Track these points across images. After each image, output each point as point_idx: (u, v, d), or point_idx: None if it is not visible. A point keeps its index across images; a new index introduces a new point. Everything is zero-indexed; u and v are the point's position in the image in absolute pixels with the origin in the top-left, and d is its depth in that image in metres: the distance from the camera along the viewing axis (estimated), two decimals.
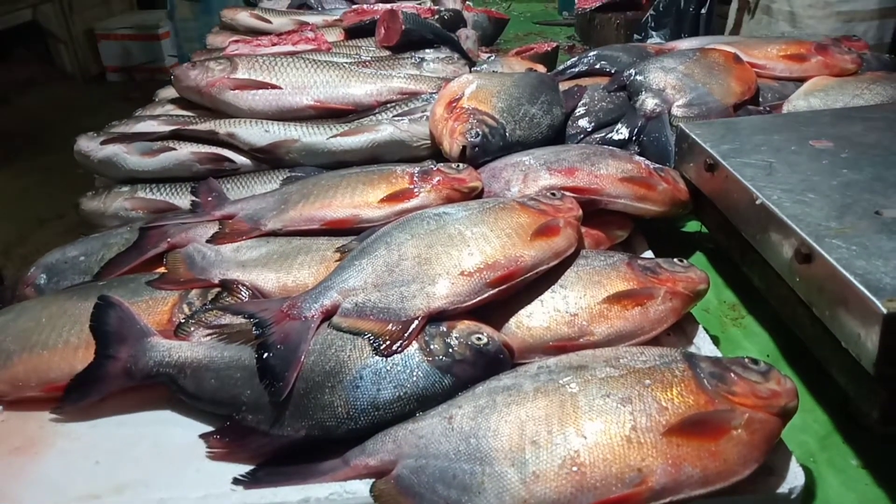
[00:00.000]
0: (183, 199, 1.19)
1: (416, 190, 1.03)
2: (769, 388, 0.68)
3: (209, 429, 0.79)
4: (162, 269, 0.99)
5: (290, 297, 0.85)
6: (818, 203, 0.83)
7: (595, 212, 1.04)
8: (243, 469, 0.73)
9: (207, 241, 1.02)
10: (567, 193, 1.00)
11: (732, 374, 0.69)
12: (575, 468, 0.62)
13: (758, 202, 0.86)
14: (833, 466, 0.74)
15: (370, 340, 0.78)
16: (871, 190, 0.85)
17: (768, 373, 0.70)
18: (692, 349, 0.84)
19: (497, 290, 0.83)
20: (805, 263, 0.75)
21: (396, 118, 1.29)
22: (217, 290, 0.92)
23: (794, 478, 0.66)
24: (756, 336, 0.95)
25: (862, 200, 0.83)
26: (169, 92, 1.53)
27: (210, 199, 1.12)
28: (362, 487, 0.68)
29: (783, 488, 0.65)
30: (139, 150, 1.25)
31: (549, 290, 0.87)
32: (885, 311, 0.63)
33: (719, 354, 0.81)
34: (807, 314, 0.77)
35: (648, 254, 1.03)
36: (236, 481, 0.72)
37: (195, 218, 1.08)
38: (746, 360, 0.71)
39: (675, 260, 0.91)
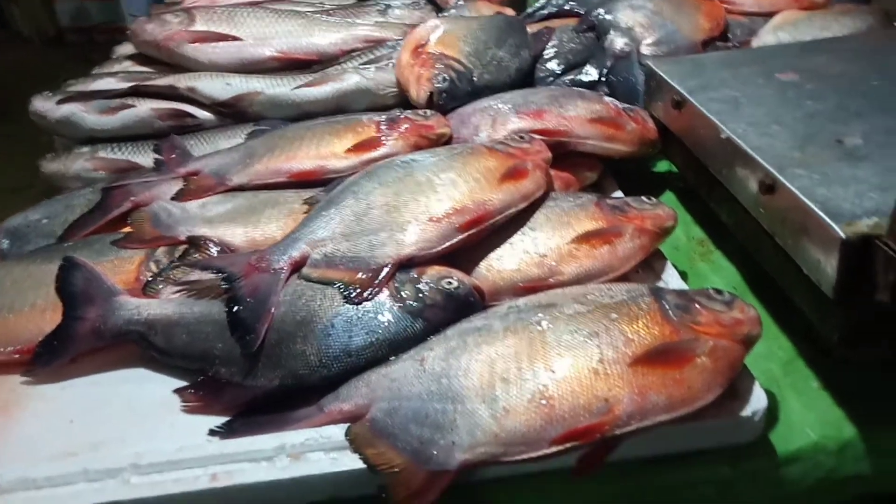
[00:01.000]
0: (146, 158, 1.17)
1: (383, 138, 1.02)
2: (733, 316, 0.69)
3: (183, 384, 0.79)
4: (127, 229, 0.97)
5: (259, 251, 0.84)
6: (782, 135, 0.83)
7: (564, 154, 1.04)
8: (219, 421, 0.74)
9: (172, 199, 1.00)
10: (536, 136, 1.00)
11: (697, 305, 0.70)
12: (544, 401, 0.64)
13: (723, 136, 0.86)
14: (795, 389, 0.76)
15: (340, 289, 0.78)
16: (834, 119, 0.86)
17: (732, 302, 0.71)
18: (660, 284, 0.85)
19: (466, 234, 0.83)
20: (769, 194, 0.76)
21: (362, 67, 1.27)
22: (184, 246, 0.91)
23: (757, 401, 0.68)
24: (723, 270, 0.96)
25: (825, 130, 0.83)
26: (127, 48, 1.48)
27: (173, 156, 1.10)
28: (337, 432, 0.69)
29: (746, 411, 0.68)
30: (97, 108, 1.22)
31: (519, 232, 0.87)
32: (843, 235, 0.64)
33: (686, 288, 0.82)
34: (771, 245, 0.78)
35: (618, 194, 1.03)
36: (212, 433, 0.72)
37: (159, 176, 1.07)
38: (711, 290, 0.73)
39: (643, 198, 0.92)
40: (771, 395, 0.72)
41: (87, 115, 1.22)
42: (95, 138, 1.22)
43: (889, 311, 0.64)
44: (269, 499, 0.67)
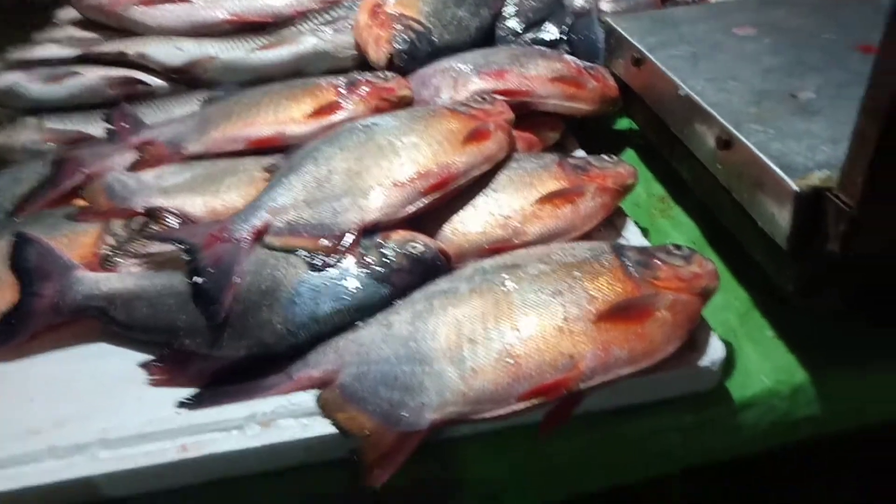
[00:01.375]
0: (96, 128, 1.13)
1: (342, 102, 1.00)
2: (691, 270, 0.71)
3: (147, 357, 0.78)
4: (81, 202, 0.95)
5: (220, 221, 0.83)
6: (739, 90, 0.84)
7: (527, 114, 1.04)
8: (186, 393, 0.73)
9: (126, 170, 0.98)
10: (497, 97, 1.00)
11: (657, 261, 0.72)
12: (510, 360, 0.65)
13: (682, 93, 0.87)
14: (751, 339, 0.79)
15: (305, 257, 0.78)
16: (790, 74, 0.87)
17: (690, 257, 0.73)
18: (622, 241, 0.87)
19: (430, 198, 0.83)
20: (725, 150, 0.78)
21: (319, 28, 1.24)
22: (142, 218, 0.90)
23: (715, 351, 0.70)
24: (683, 226, 0.98)
25: (780, 85, 0.84)
26: (70, 13, 1.42)
27: (125, 125, 1.07)
28: (307, 398, 0.69)
29: (705, 362, 0.70)
30: (42, 77, 1.17)
31: (483, 194, 0.87)
32: (796, 188, 0.66)
33: (647, 244, 0.84)
34: (728, 200, 0.80)
35: (580, 153, 1.04)
36: (181, 405, 0.72)
37: (111, 146, 1.04)
38: (670, 246, 0.74)
39: (605, 156, 0.93)
40: (728, 345, 0.75)
41: (31, 85, 1.17)
42: (41, 108, 1.18)
43: (839, 261, 0.66)
44: (240, 467, 0.67)
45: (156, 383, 0.76)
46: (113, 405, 0.74)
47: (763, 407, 0.74)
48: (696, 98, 0.84)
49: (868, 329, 0.78)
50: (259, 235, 0.81)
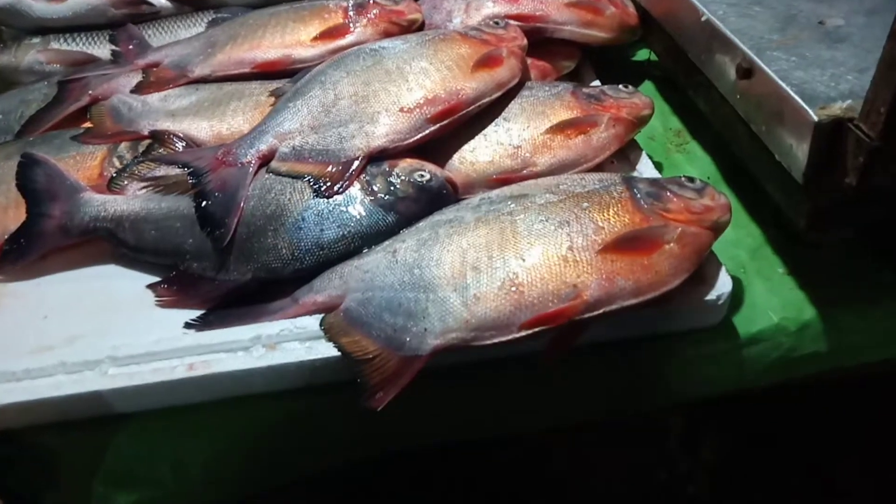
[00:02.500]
0: (102, 49, 1.11)
1: (351, 25, 0.97)
2: (703, 203, 0.70)
3: (156, 279, 0.79)
4: (87, 124, 0.94)
5: (225, 144, 0.83)
6: (763, 16, 0.81)
7: (541, 41, 1.00)
8: (194, 314, 0.74)
9: (132, 92, 0.96)
10: (511, 22, 0.96)
11: (668, 193, 0.70)
12: (514, 288, 0.65)
13: (703, 19, 0.83)
14: (761, 275, 0.78)
15: (310, 183, 0.78)
16: (817, 0, 0.83)
17: (703, 190, 0.72)
18: (635, 174, 0.85)
19: (438, 125, 0.81)
20: (746, 79, 0.75)
21: None
22: (148, 141, 0.89)
23: (723, 285, 0.70)
24: (699, 160, 0.96)
25: (807, 11, 0.81)
26: None
27: (131, 46, 1.05)
28: (312, 322, 0.70)
29: (711, 295, 0.70)
30: None
31: (493, 123, 0.85)
32: (816, 118, 0.64)
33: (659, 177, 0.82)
34: (746, 132, 0.77)
35: (596, 83, 1.01)
36: (188, 325, 0.73)
37: (117, 68, 1.02)
38: (683, 178, 0.73)
39: (620, 86, 0.90)
40: (737, 281, 0.74)
41: (34, 3, 1.14)
42: (45, 28, 1.15)
43: (855, 195, 0.64)
44: (245, 386, 0.69)
45: (163, 304, 0.77)
46: (123, 324, 0.75)
47: (768, 343, 0.74)
48: (718, 24, 0.80)
49: (876, 267, 0.77)
50: (264, 160, 0.81)
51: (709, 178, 0.92)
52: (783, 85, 0.68)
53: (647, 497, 1.10)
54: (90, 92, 0.99)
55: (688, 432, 1.08)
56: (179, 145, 0.88)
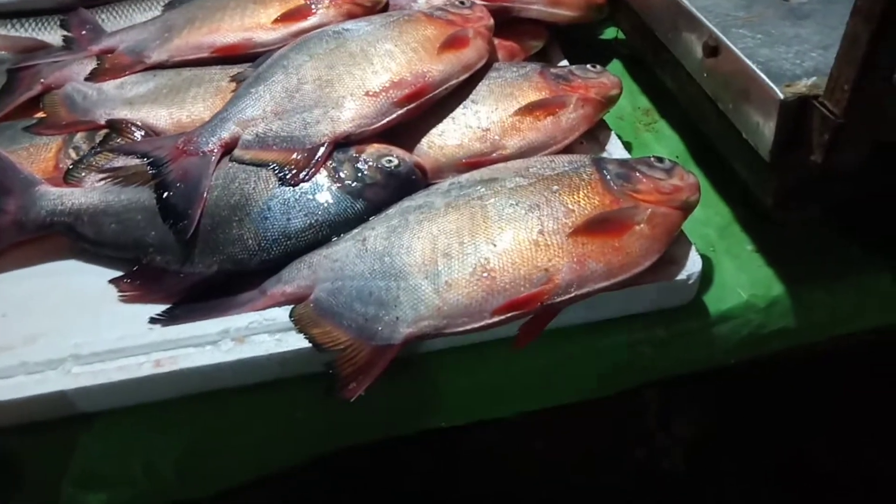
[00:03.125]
0: (53, 35, 1.07)
1: (313, 7, 0.95)
2: (672, 183, 0.70)
3: (118, 274, 0.77)
4: (40, 114, 0.91)
5: (186, 133, 0.81)
6: None
7: (508, 21, 0.99)
8: (159, 309, 0.73)
9: (86, 80, 0.93)
10: (477, 2, 0.95)
11: (637, 173, 0.71)
12: (485, 274, 0.65)
13: None
14: (730, 253, 0.79)
15: (275, 171, 0.76)
16: None
17: (672, 169, 0.72)
18: (605, 155, 0.85)
19: (405, 109, 0.80)
20: (712, 57, 0.75)
21: None
22: (105, 131, 0.86)
23: (693, 265, 0.71)
24: (667, 139, 0.97)
25: None
26: None
27: (84, 32, 1.02)
28: (281, 314, 0.69)
29: (682, 275, 0.70)
30: None
31: (461, 106, 0.85)
32: (782, 96, 0.64)
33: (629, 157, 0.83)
34: (713, 111, 0.78)
35: (564, 63, 1.00)
36: (153, 320, 0.72)
37: (70, 54, 0.99)
38: (652, 159, 0.73)
39: (588, 66, 0.90)
40: (706, 259, 0.75)
41: None
42: None
43: (821, 173, 0.65)
44: (215, 381, 0.68)
45: (127, 300, 0.75)
46: (85, 321, 0.73)
47: (738, 321, 0.75)
48: (684, 1, 0.80)
49: (842, 243, 0.78)
50: (227, 148, 0.79)
51: (678, 157, 0.93)
52: (749, 63, 0.68)
53: (625, 474, 1.12)
54: (42, 80, 0.95)
55: (661, 408, 1.10)
56: (138, 134, 0.86)
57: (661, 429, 1.15)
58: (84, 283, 0.78)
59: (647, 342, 0.73)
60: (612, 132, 0.89)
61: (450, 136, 0.83)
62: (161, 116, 0.87)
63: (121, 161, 0.81)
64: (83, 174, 0.81)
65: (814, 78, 0.65)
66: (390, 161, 0.77)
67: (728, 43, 0.72)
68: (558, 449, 1.10)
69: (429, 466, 1.07)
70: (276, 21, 0.93)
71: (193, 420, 0.68)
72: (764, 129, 0.67)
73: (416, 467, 1.05)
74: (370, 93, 0.79)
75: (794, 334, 0.76)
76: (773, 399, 1.04)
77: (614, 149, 0.87)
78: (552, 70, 0.89)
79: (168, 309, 0.73)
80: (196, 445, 0.69)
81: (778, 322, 0.75)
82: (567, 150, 0.84)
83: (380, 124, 0.79)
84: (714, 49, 0.74)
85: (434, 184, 0.79)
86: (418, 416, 0.73)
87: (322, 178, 0.76)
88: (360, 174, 0.76)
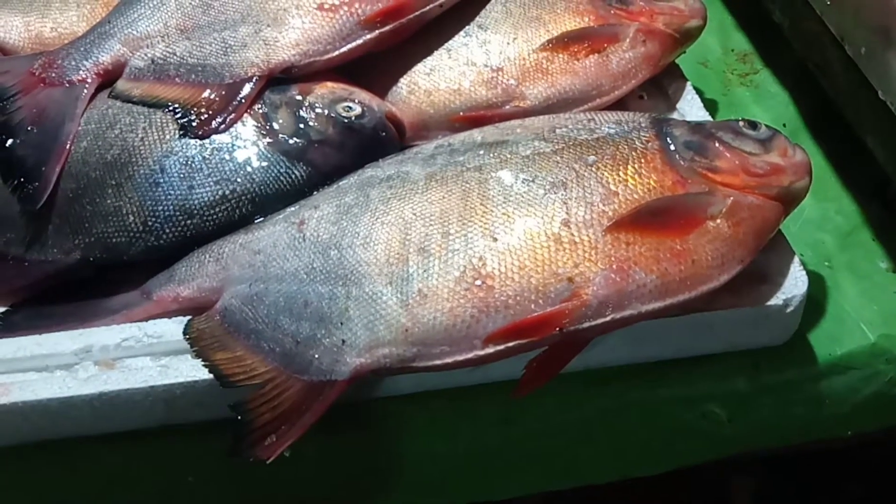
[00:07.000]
0: None
1: None
2: (768, 160, 0.71)
3: None
4: None
5: (47, 52, 0.83)
6: None
7: None
8: None
9: None
10: None
11: (716, 143, 0.71)
12: (479, 282, 0.65)
13: None
14: (854, 271, 0.80)
15: (176, 114, 0.77)
16: None
17: (771, 140, 0.72)
18: (673, 116, 0.86)
19: (378, 32, 0.81)
20: None
21: None
22: None
23: (794, 285, 0.71)
24: (772, 98, 0.98)
25: None
26: None
27: None
28: (172, 328, 0.70)
29: (776, 299, 0.70)
30: None
31: (462, 32, 0.86)
32: None
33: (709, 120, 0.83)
34: (840, 58, 0.78)
35: None
36: None
37: None
38: (742, 123, 0.74)
39: None
40: (817, 278, 0.76)
41: None
42: None
43: None
44: (66, 425, 0.68)
45: None
46: None
47: (860, 372, 0.75)
48: None
49: None
50: (106, 77, 0.81)
51: (784, 125, 0.93)
52: None
53: None
54: None
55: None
56: None
57: None
58: None
59: (721, 398, 0.73)
60: (689, 83, 0.91)
61: (442, 76, 0.85)
62: (14, 26, 0.90)
63: None
64: None
65: None
66: (349, 108, 0.78)
67: None
68: None
69: None
70: None
71: (27, 484, 0.69)
72: None
73: None
74: (325, 6, 0.80)
75: None
76: None
77: (689, 108, 0.88)
78: None
79: (3, 313, 0.74)
80: None
81: None
82: (618, 105, 0.85)
83: (337, 53, 0.80)
84: None
85: (414, 146, 0.80)
86: (369, 493, 0.73)
87: (246, 128, 0.77)
88: (302, 125, 0.77)
